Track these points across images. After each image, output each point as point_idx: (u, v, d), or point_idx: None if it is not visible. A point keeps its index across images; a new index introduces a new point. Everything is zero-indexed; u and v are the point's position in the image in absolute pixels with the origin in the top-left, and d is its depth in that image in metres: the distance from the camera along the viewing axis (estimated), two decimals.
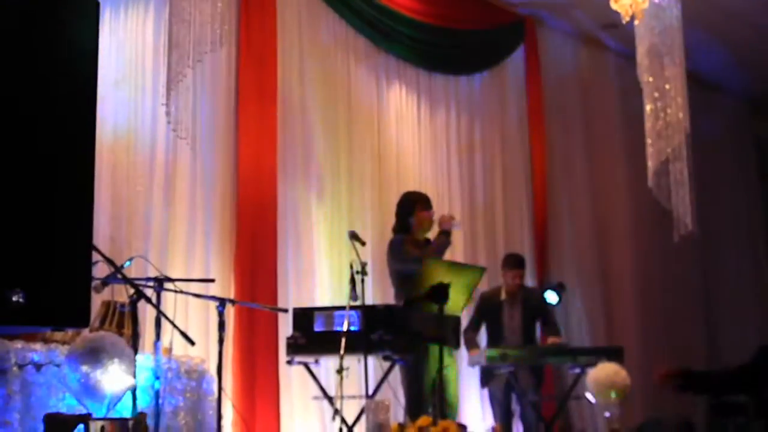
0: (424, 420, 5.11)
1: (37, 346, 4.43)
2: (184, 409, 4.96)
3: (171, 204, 6.54)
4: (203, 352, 5.88)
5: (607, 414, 6.55)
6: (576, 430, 9.03)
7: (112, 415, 4.01)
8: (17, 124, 2.26)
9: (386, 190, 7.93)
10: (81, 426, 3.78)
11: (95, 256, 3.63)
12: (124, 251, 5.95)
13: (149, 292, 4.58)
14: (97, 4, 2.49)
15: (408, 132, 8.40)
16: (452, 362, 6.30)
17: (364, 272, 5.67)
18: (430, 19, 8.55)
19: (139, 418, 4.18)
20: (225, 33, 5.95)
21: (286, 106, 7.28)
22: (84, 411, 3.96)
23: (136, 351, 4.33)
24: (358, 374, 5.83)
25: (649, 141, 7.44)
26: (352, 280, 5.61)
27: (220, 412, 4.91)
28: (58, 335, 4.62)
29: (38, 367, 4.34)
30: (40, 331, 4.45)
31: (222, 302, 4.82)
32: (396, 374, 6.11)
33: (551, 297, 7.22)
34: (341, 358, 5.29)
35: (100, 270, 4.24)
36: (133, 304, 4.43)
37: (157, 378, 4.54)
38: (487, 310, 7.20)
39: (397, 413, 6.16)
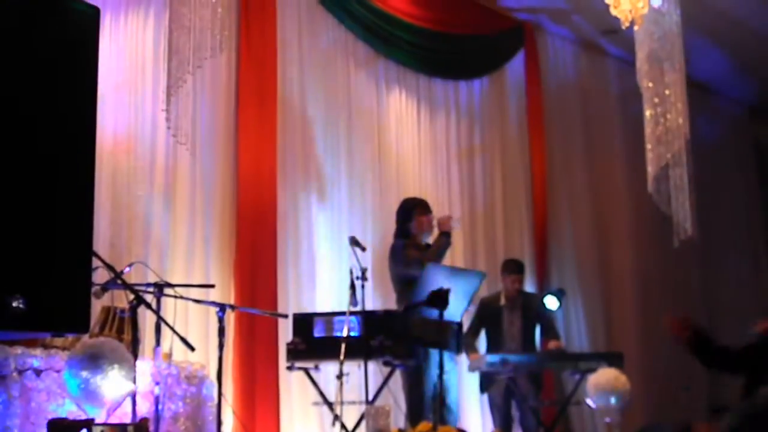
0: (424, 426, 5.11)
1: (37, 351, 4.42)
2: (183, 415, 4.96)
3: (171, 209, 6.54)
4: (203, 358, 5.87)
5: (607, 419, 6.55)
6: None
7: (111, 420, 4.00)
8: (18, 130, 2.26)
9: (386, 196, 7.93)
10: (84, 431, 3.79)
11: (95, 262, 3.64)
12: (124, 257, 5.95)
13: (149, 298, 4.57)
14: (97, 10, 2.49)
15: (408, 137, 8.41)
16: (453, 368, 6.30)
17: (364, 278, 5.67)
18: (429, 25, 8.56)
19: (141, 424, 4.17)
20: (225, 39, 5.95)
21: (285, 112, 7.28)
22: (85, 416, 3.96)
23: (135, 357, 4.32)
24: (358, 380, 5.82)
25: (648, 146, 7.45)
26: (352, 286, 5.61)
27: (220, 417, 4.90)
28: (58, 341, 4.61)
29: (38, 372, 4.34)
30: (40, 337, 4.45)
31: (222, 308, 4.82)
32: (396, 380, 6.10)
33: (551, 302, 7.22)
34: (341, 363, 5.28)
35: (100, 275, 4.24)
36: (133, 309, 4.43)
37: (157, 383, 4.54)
38: (487, 315, 7.20)
39: (397, 419, 6.16)
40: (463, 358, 6.94)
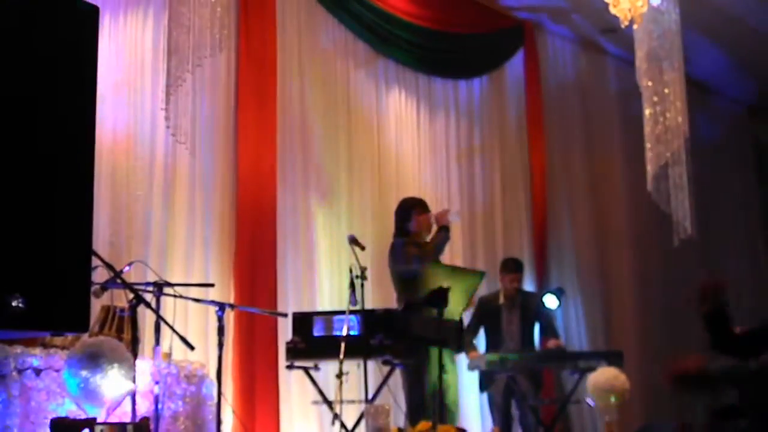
0: (423, 425, 5.12)
1: (37, 350, 4.43)
2: (183, 414, 4.96)
3: (170, 208, 6.54)
4: (203, 357, 5.88)
5: (606, 418, 6.56)
6: None
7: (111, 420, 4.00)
8: (17, 130, 2.26)
9: (386, 195, 7.93)
10: (86, 430, 3.79)
11: (95, 261, 3.64)
12: (124, 256, 5.95)
13: (149, 297, 4.57)
14: (97, 9, 2.49)
15: (407, 136, 8.41)
16: (453, 367, 6.31)
17: (363, 277, 5.67)
18: (429, 24, 8.56)
19: (142, 423, 4.18)
20: (224, 38, 5.95)
21: (285, 111, 7.28)
22: (85, 415, 3.96)
23: (135, 356, 4.33)
24: (357, 379, 5.82)
25: (648, 145, 7.45)
26: (352, 285, 5.61)
27: (220, 416, 4.91)
28: (58, 340, 4.61)
29: (38, 371, 4.34)
30: (39, 336, 4.45)
31: (221, 307, 4.83)
32: (395, 379, 6.10)
33: (551, 301, 7.22)
34: (341, 362, 5.28)
35: (100, 275, 4.24)
36: (133, 308, 4.43)
37: (157, 383, 4.54)
38: (486, 314, 7.20)
39: (397, 418, 6.16)
40: (463, 357, 6.94)
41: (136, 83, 6.48)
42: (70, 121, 2.38)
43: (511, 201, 9.23)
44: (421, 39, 8.52)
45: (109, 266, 4.34)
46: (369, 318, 5.61)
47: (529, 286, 8.46)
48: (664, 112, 7.36)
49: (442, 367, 5.67)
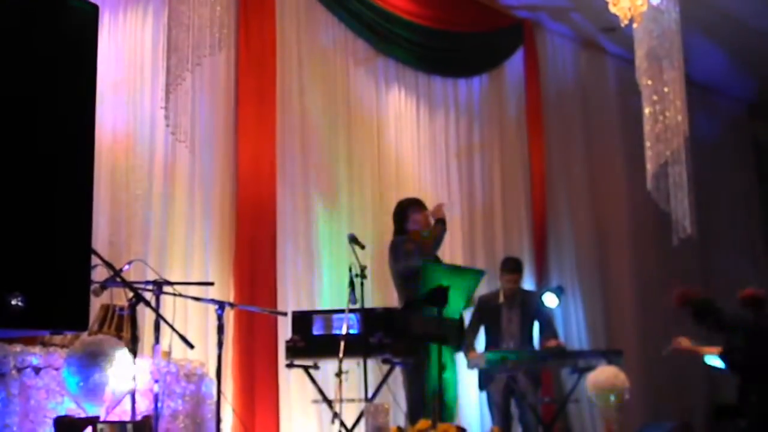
0: (423, 423, 5.12)
1: (36, 349, 4.43)
2: (183, 413, 4.96)
3: (170, 207, 6.54)
4: (202, 356, 5.88)
5: (606, 417, 6.56)
6: None
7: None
8: (17, 129, 2.26)
9: (386, 193, 7.93)
10: (89, 428, 3.79)
11: (94, 260, 3.64)
12: (123, 254, 5.95)
13: (148, 296, 4.57)
14: (96, 8, 2.49)
15: (407, 135, 8.41)
16: (452, 365, 6.31)
17: (363, 275, 5.68)
18: (428, 23, 8.56)
19: (144, 421, 4.18)
20: (224, 37, 5.95)
21: (285, 110, 7.28)
22: (84, 414, 3.96)
23: (135, 354, 4.33)
24: (357, 377, 5.83)
25: (648, 144, 7.44)
26: (352, 284, 5.61)
27: (220, 415, 4.91)
28: (57, 339, 4.62)
29: (37, 370, 4.34)
30: (38, 335, 4.45)
31: (221, 305, 4.82)
32: (395, 377, 6.10)
33: (550, 300, 7.21)
34: (340, 361, 5.29)
35: (99, 273, 4.24)
36: (132, 307, 4.43)
37: (156, 381, 4.54)
38: (486, 312, 7.19)
39: (396, 417, 6.16)
40: (463, 356, 6.94)
41: (136, 82, 6.48)
42: (69, 119, 2.38)
43: (511, 199, 9.23)
44: (421, 37, 8.52)
45: (108, 265, 4.34)
46: (369, 317, 5.61)
47: (528, 284, 8.46)
48: (663, 111, 7.36)
49: (442, 365, 5.68)
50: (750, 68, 11.23)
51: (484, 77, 9.28)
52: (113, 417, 4.18)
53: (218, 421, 4.88)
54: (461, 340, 6.58)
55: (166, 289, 4.75)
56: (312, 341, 5.74)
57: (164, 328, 4.54)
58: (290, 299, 7.00)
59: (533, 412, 6.98)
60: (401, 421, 6.10)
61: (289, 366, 5.89)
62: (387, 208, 7.38)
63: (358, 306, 5.58)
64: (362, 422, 5.40)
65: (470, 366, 6.87)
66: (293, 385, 6.79)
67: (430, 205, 6.74)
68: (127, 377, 4.11)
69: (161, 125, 6.21)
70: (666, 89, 7.35)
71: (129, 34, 6.51)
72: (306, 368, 5.86)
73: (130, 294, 4.41)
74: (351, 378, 5.54)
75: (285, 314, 5.99)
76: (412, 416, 5.89)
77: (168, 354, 4.88)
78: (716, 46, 10.35)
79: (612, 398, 6.40)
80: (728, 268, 11.74)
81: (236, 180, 6.88)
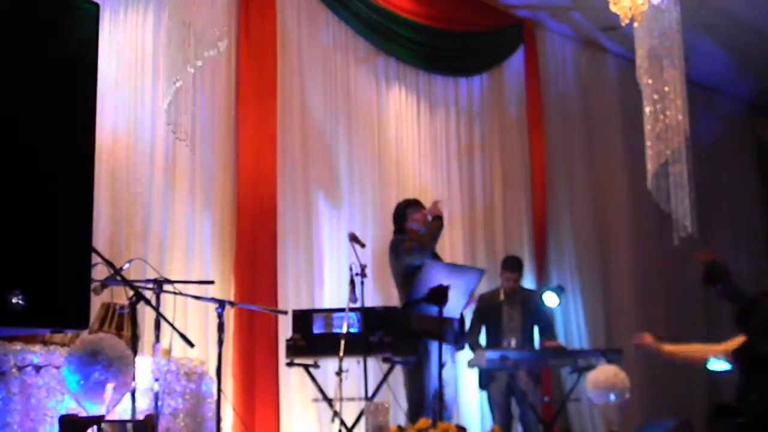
0: (423, 422, 5.12)
1: (37, 347, 4.43)
2: (183, 411, 4.96)
3: (170, 206, 6.54)
4: (203, 354, 5.88)
5: (606, 416, 6.56)
6: None
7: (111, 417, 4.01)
8: (17, 127, 2.26)
9: (386, 192, 7.94)
10: (94, 427, 3.79)
11: (95, 258, 3.64)
12: (124, 253, 5.95)
13: (148, 294, 4.58)
14: (97, 6, 2.49)
15: (408, 134, 8.41)
16: (452, 364, 6.32)
17: (363, 274, 5.68)
18: (429, 22, 8.56)
19: (147, 420, 4.18)
20: (224, 35, 5.94)
21: (285, 108, 7.28)
22: (85, 413, 3.96)
23: (135, 353, 4.33)
24: (357, 376, 5.83)
25: (648, 143, 7.44)
26: (352, 282, 5.62)
27: (220, 414, 4.91)
28: (58, 337, 4.62)
29: (38, 368, 4.34)
30: (39, 333, 4.45)
31: (221, 304, 4.83)
32: (395, 376, 6.11)
33: (551, 299, 7.22)
34: (340, 360, 5.29)
35: (100, 272, 4.24)
36: (133, 306, 4.43)
37: (157, 380, 4.54)
38: (487, 311, 7.20)
39: (397, 415, 6.17)
40: (462, 354, 6.94)
41: (137, 80, 6.48)
42: (70, 118, 2.38)
43: (512, 198, 9.22)
44: (422, 36, 8.52)
45: (109, 263, 4.34)
46: (369, 315, 5.62)
47: (529, 283, 8.46)
48: (664, 110, 7.35)
49: (442, 364, 5.68)
50: (751, 67, 11.22)
51: (484, 76, 9.28)
52: (112, 415, 4.18)
53: (218, 419, 4.88)
54: (462, 339, 6.59)
55: (167, 287, 4.75)
56: (312, 340, 5.75)
57: (164, 327, 4.54)
58: (290, 298, 6.99)
59: (533, 411, 6.99)
60: (401, 420, 6.10)
61: (290, 365, 5.89)
62: (387, 207, 7.39)
63: (358, 305, 5.59)
64: (362, 421, 5.40)
65: (471, 365, 6.87)
66: (293, 384, 6.79)
67: (429, 203, 6.75)
68: (127, 376, 4.12)
69: (162, 123, 6.21)
70: (667, 88, 7.35)
71: (129, 32, 6.50)
72: (306, 367, 5.87)
73: (131, 292, 4.42)
74: (351, 377, 5.55)
75: (285, 313, 6.00)
76: (413, 415, 5.90)
77: (168, 352, 4.88)
78: (717, 46, 10.34)
79: (612, 397, 6.40)
80: (729, 267, 11.73)
81: (237, 178, 6.88)
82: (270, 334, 6.65)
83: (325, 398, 5.84)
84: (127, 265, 4.72)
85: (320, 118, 7.62)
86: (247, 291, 6.66)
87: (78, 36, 2.43)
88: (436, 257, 6.51)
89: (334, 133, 7.72)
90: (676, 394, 10.17)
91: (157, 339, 4.58)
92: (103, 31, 6.19)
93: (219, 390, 4.82)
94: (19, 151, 2.25)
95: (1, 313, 2.16)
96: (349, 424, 5.68)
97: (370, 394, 5.64)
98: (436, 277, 5.79)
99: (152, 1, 6.58)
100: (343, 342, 5.30)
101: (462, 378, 7.83)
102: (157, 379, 4.55)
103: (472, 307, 6.99)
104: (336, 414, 5.56)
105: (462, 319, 6.48)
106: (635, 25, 7.22)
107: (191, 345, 4.40)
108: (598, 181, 10.20)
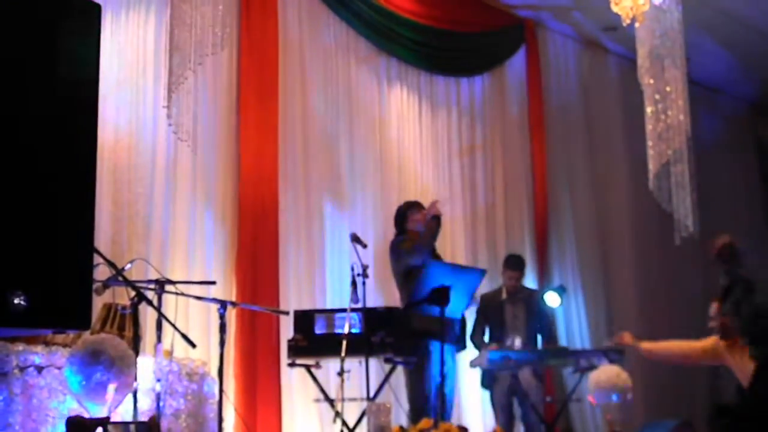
0: (425, 423, 5.12)
1: (39, 348, 4.43)
2: (185, 412, 4.96)
3: (172, 206, 6.54)
4: (204, 355, 5.88)
5: (608, 416, 6.55)
6: None
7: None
8: (19, 128, 2.26)
9: (387, 192, 7.94)
10: (100, 429, 3.79)
11: (96, 259, 3.64)
12: (125, 253, 5.96)
13: (150, 295, 4.58)
14: (99, 7, 2.49)
15: (409, 134, 8.41)
16: (453, 363, 6.32)
17: (365, 274, 5.68)
18: (431, 22, 8.56)
19: (151, 421, 4.18)
20: (226, 36, 5.94)
21: (287, 109, 7.28)
22: (87, 413, 3.96)
23: (137, 353, 4.33)
24: (359, 377, 5.83)
25: (650, 143, 7.43)
26: (354, 283, 5.62)
27: (221, 414, 4.91)
28: (60, 338, 4.62)
29: (39, 369, 4.34)
30: (41, 334, 4.46)
31: (223, 304, 4.83)
32: (397, 377, 6.11)
33: (552, 299, 7.21)
34: (342, 360, 5.29)
35: (102, 272, 4.24)
36: (134, 306, 4.44)
37: (158, 380, 4.54)
38: (490, 310, 7.18)
39: (399, 416, 6.17)
40: (463, 354, 6.93)
41: (138, 81, 6.48)
42: (71, 118, 2.39)
43: (513, 198, 9.22)
44: (423, 37, 8.52)
45: (110, 264, 4.35)
46: (370, 316, 5.62)
47: (530, 283, 8.45)
48: (665, 110, 7.35)
49: (443, 364, 5.68)
50: (753, 67, 11.22)
51: (486, 76, 9.28)
52: (113, 416, 4.18)
53: (220, 420, 4.88)
54: (462, 339, 6.59)
55: (168, 288, 4.76)
56: (314, 340, 5.75)
57: (166, 327, 4.55)
58: (292, 298, 7.00)
59: (535, 411, 6.96)
60: (403, 421, 6.10)
61: (291, 365, 5.89)
62: (389, 207, 7.39)
63: (360, 305, 5.58)
64: (364, 421, 5.40)
65: (473, 364, 6.86)
66: (295, 385, 6.79)
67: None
68: (129, 376, 4.12)
69: (163, 124, 6.22)
70: (668, 88, 7.34)
71: (131, 33, 6.51)
72: (308, 367, 5.87)
73: (133, 293, 4.42)
74: (353, 377, 5.55)
75: (287, 313, 6.00)
76: (414, 415, 5.89)
77: (170, 353, 4.89)
78: (719, 46, 10.33)
79: (614, 397, 6.39)
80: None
81: (238, 179, 6.88)
82: (272, 335, 6.66)
83: (327, 399, 5.84)
84: (128, 266, 4.73)
85: (322, 119, 7.62)
86: (248, 291, 6.66)
87: (79, 36, 2.43)
88: (437, 257, 6.51)
89: (336, 133, 7.72)
90: (678, 394, 10.16)
91: (159, 339, 4.58)
92: (105, 31, 6.19)
93: (221, 390, 4.82)
94: (20, 151, 2.25)
95: (3, 313, 2.17)
96: (351, 424, 5.67)
97: (371, 394, 5.63)
98: (437, 277, 5.79)
99: (154, 2, 6.58)
100: (344, 342, 5.29)
101: (463, 378, 7.83)
102: (158, 380, 4.55)
103: (474, 307, 6.98)
104: (338, 414, 5.56)
105: (463, 320, 6.48)
106: (636, 25, 7.22)
107: (193, 345, 4.40)
108: (599, 181, 10.19)
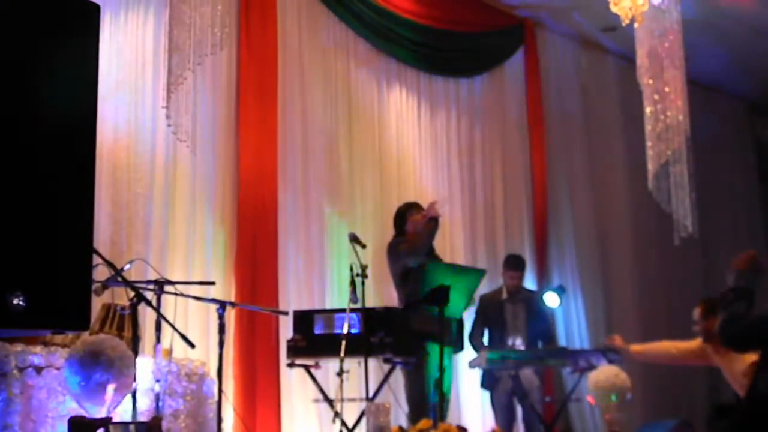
0: (424, 423, 5.12)
1: (38, 349, 4.43)
2: (184, 412, 4.96)
3: (171, 207, 6.54)
4: (203, 355, 5.88)
5: (607, 416, 6.55)
6: None
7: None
8: (18, 128, 2.26)
9: (387, 192, 7.94)
10: (102, 429, 3.79)
11: (95, 259, 3.64)
12: (125, 254, 5.95)
13: (149, 295, 4.58)
14: (98, 7, 2.49)
15: (408, 134, 8.41)
16: (449, 363, 6.32)
17: (364, 275, 5.68)
18: (430, 22, 8.56)
19: (152, 422, 4.18)
20: (225, 36, 5.95)
21: (286, 109, 7.28)
22: (86, 414, 3.96)
23: (136, 354, 4.33)
24: (358, 377, 5.83)
25: (649, 143, 7.44)
26: (353, 283, 5.61)
27: (221, 415, 4.91)
28: (59, 338, 4.62)
29: (38, 370, 4.34)
30: (40, 334, 4.45)
31: (222, 305, 4.83)
32: (396, 377, 6.11)
33: (552, 300, 7.21)
34: (341, 360, 5.29)
35: (101, 273, 4.24)
36: (134, 307, 4.44)
37: (158, 381, 4.54)
38: (489, 310, 7.18)
39: (398, 416, 6.16)
40: (462, 355, 6.93)
41: (137, 81, 6.48)
42: (71, 119, 2.38)
43: (512, 199, 9.23)
44: (422, 37, 8.52)
45: (109, 264, 4.34)
46: (370, 316, 5.61)
47: (529, 283, 8.46)
48: (664, 111, 7.36)
49: (442, 366, 5.68)
50: (751, 67, 11.22)
51: (485, 77, 9.28)
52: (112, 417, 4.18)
53: (219, 420, 4.88)
54: (460, 341, 6.57)
55: (168, 288, 4.76)
56: (313, 340, 5.75)
57: (165, 328, 4.54)
58: (291, 298, 7.00)
59: (533, 411, 6.95)
60: (402, 421, 6.10)
61: (291, 365, 5.89)
62: (388, 207, 7.39)
63: (359, 305, 5.58)
64: (363, 422, 5.40)
65: (472, 365, 6.86)
66: (294, 385, 6.80)
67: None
68: (128, 377, 4.11)
69: (162, 125, 6.21)
70: (667, 89, 7.35)
71: (130, 33, 6.50)
72: (307, 368, 5.87)
73: (132, 293, 4.42)
74: (352, 377, 5.54)
75: (286, 313, 6.00)
76: (414, 416, 5.89)
77: (169, 353, 4.88)
78: (717, 46, 10.34)
79: (613, 397, 6.40)
80: (729, 267, 11.71)
81: (237, 179, 6.88)
82: (271, 335, 6.66)
83: (326, 399, 5.84)
84: (127, 266, 4.73)
85: (321, 119, 7.61)
86: (247, 292, 6.66)
87: (78, 37, 2.43)
88: (436, 258, 6.51)
89: (335, 133, 7.72)
90: (677, 394, 10.17)
91: (158, 340, 4.58)
92: (104, 32, 6.19)
93: (220, 391, 4.82)
94: (19, 152, 2.25)
95: (2, 314, 2.16)
96: (350, 424, 5.67)
97: (371, 394, 5.63)
98: (437, 277, 5.79)
99: (153, 2, 6.58)
100: (344, 343, 5.29)
101: (463, 378, 7.84)
102: (158, 380, 4.55)
103: (473, 307, 6.97)
104: (337, 415, 5.56)
105: (461, 321, 6.46)
106: (636, 25, 7.23)
107: (192, 346, 4.40)
108: (598, 182, 10.20)
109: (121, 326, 4.81)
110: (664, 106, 7.36)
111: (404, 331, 5.70)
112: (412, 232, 6.42)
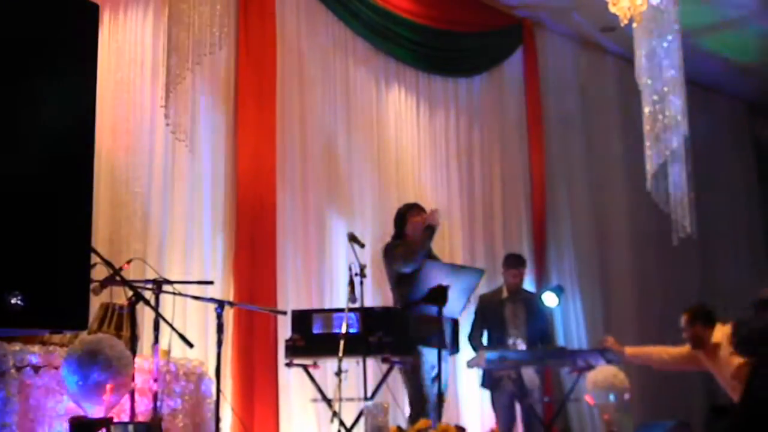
0: (423, 423, 5.12)
1: (36, 348, 4.42)
2: (182, 412, 4.96)
3: (170, 206, 6.54)
4: (202, 355, 5.88)
5: (605, 416, 6.56)
6: None
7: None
8: (17, 127, 2.26)
9: (385, 192, 7.94)
10: (103, 429, 3.79)
11: (94, 258, 3.64)
12: (123, 253, 5.95)
13: (148, 295, 4.58)
14: (97, 6, 2.49)
15: (407, 134, 8.41)
16: (445, 367, 6.31)
17: (362, 274, 5.67)
18: (429, 22, 8.56)
19: (153, 422, 4.18)
20: (224, 36, 5.95)
21: (285, 109, 7.28)
22: (84, 413, 3.96)
23: (134, 353, 4.33)
24: (356, 376, 5.82)
25: (647, 143, 7.44)
26: (351, 282, 5.61)
27: (219, 414, 4.91)
28: (57, 337, 4.61)
29: (36, 369, 4.34)
30: (38, 334, 4.45)
31: (221, 304, 4.82)
32: (394, 377, 6.10)
33: (550, 299, 7.21)
34: (340, 360, 5.28)
35: (99, 272, 4.24)
36: (132, 306, 4.43)
37: (156, 380, 4.54)
38: (489, 309, 7.17)
39: (396, 416, 6.16)
40: (461, 355, 6.92)
41: (136, 81, 6.48)
42: (69, 119, 2.38)
43: (511, 199, 9.23)
44: (421, 37, 8.52)
45: (108, 263, 4.34)
46: (368, 316, 5.61)
47: (528, 284, 8.45)
48: (663, 111, 7.36)
49: (440, 368, 5.68)
50: (750, 68, 11.22)
51: (484, 76, 9.28)
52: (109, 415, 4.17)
53: (217, 420, 4.88)
54: (456, 343, 6.54)
55: (166, 287, 4.75)
56: (311, 340, 5.74)
57: (164, 327, 4.54)
58: (290, 298, 7.00)
59: (533, 411, 6.95)
60: (401, 421, 6.10)
61: (289, 365, 5.89)
62: (386, 207, 7.39)
63: (357, 305, 5.58)
64: (361, 421, 5.40)
65: (470, 365, 6.85)
66: (293, 384, 6.79)
67: (429, 205, 6.74)
68: (126, 376, 4.11)
69: (161, 124, 6.21)
70: (665, 89, 7.35)
71: (129, 33, 6.50)
72: (305, 367, 5.86)
73: (130, 293, 4.42)
74: (350, 377, 5.54)
75: (284, 313, 5.99)
76: (412, 415, 5.89)
77: (167, 353, 4.88)
78: (716, 46, 10.34)
79: (611, 397, 6.40)
80: (728, 268, 11.74)
81: (236, 179, 6.88)
82: (269, 335, 6.65)
83: (325, 398, 5.83)
84: (126, 266, 4.72)
85: (319, 118, 7.61)
86: (246, 291, 6.66)
87: (77, 36, 2.43)
88: (434, 258, 6.50)
89: (334, 133, 7.72)
90: (675, 395, 10.16)
91: (156, 339, 4.58)
92: (103, 31, 6.19)
93: (218, 390, 4.82)
94: (17, 152, 2.25)
95: (1, 313, 2.16)
96: (349, 424, 5.67)
97: (369, 394, 5.63)
98: (435, 277, 5.79)
99: (152, 2, 6.58)
100: (342, 342, 5.29)
101: (462, 378, 7.83)
102: (156, 380, 4.54)
103: (471, 307, 6.97)
104: (335, 414, 5.55)
105: (456, 323, 6.44)
106: (634, 25, 7.23)
107: (190, 345, 4.40)
108: (597, 182, 10.20)
109: (120, 325, 4.80)
110: (663, 106, 7.36)
111: (402, 331, 5.70)
112: (411, 234, 6.40)
